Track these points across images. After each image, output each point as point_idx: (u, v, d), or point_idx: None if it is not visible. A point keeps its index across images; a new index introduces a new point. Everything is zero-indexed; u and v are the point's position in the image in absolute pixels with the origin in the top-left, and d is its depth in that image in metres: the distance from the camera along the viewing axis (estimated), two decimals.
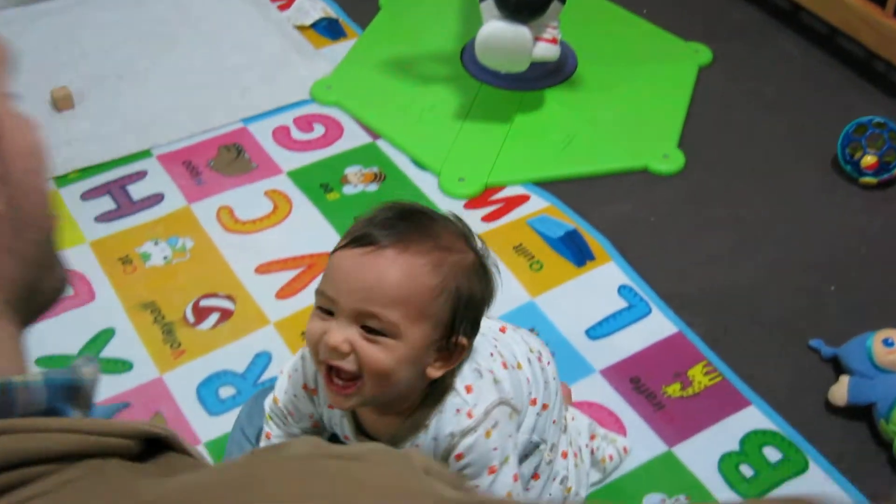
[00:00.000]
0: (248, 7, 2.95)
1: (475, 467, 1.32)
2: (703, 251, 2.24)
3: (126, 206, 2.30)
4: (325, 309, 1.24)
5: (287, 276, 2.13)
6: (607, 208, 2.34)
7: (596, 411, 1.88)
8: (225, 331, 2.02)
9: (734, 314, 2.10)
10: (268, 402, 1.52)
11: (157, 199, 2.33)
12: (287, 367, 1.48)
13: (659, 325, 2.06)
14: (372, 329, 1.21)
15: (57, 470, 0.61)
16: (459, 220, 1.34)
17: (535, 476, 1.54)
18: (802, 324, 2.08)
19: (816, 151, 2.51)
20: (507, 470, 1.36)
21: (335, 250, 1.27)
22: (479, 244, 1.34)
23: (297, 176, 2.39)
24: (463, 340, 1.29)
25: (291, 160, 2.44)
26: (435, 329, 1.25)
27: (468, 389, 1.33)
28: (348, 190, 2.35)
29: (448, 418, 1.31)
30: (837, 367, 1.97)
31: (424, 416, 1.33)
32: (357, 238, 1.25)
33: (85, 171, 2.39)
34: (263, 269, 2.15)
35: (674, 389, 1.93)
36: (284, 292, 2.10)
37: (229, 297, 2.09)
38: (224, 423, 1.81)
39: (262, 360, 1.96)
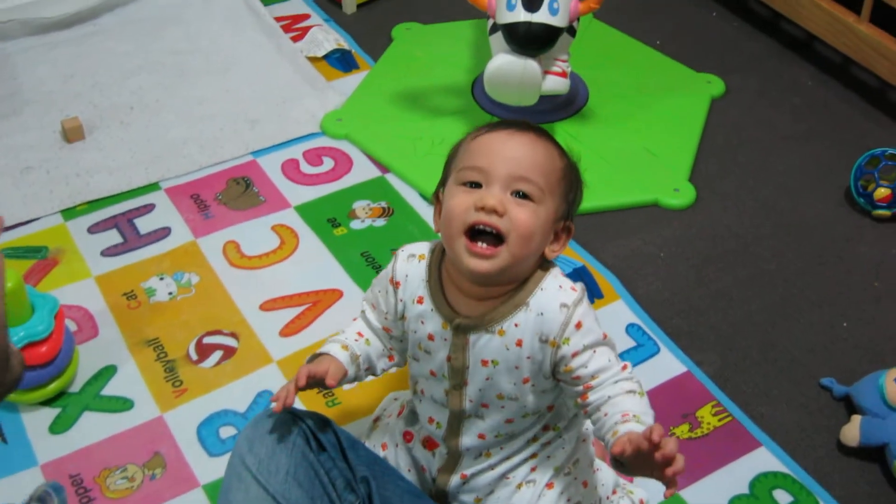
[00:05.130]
0: (261, 38, 2.95)
1: (594, 334, 1.46)
2: (713, 287, 2.21)
3: (133, 240, 2.30)
4: (473, 182, 1.42)
5: (292, 313, 2.12)
6: (616, 244, 2.31)
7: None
8: (227, 369, 2.01)
9: (744, 352, 2.07)
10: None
11: (163, 233, 2.32)
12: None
13: (667, 364, 2.03)
14: (521, 193, 1.40)
15: None
16: None
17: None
18: (814, 361, 2.05)
19: (830, 184, 2.48)
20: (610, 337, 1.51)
21: (475, 137, 1.47)
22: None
23: (305, 210, 2.38)
24: (571, 225, 1.50)
25: (300, 194, 2.43)
26: (558, 207, 1.45)
27: (561, 274, 1.51)
28: (356, 225, 2.34)
29: (552, 294, 1.45)
30: (850, 407, 1.94)
31: (525, 295, 1.46)
32: (498, 125, 1.48)
33: (93, 203, 2.39)
34: (268, 305, 2.14)
35: (682, 431, 1.90)
36: (289, 330, 2.08)
37: (233, 335, 2.08)
38: (224, 465, 1.78)
39: (265, 399, 1.93)
